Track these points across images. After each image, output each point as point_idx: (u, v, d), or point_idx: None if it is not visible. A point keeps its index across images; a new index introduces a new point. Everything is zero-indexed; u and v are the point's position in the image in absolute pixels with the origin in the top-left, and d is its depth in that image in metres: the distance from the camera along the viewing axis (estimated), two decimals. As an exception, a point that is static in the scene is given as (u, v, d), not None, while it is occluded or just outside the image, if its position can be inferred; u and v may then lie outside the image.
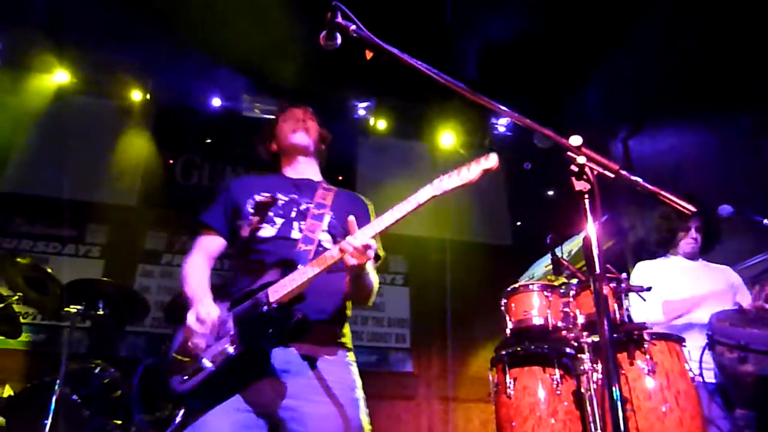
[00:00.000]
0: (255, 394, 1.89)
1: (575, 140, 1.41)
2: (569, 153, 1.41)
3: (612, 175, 1.39)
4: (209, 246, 2.26)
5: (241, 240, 2.20)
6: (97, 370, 3.87)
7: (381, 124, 6.87)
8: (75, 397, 3.51)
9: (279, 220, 2.17)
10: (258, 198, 2.24)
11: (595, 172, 1.39)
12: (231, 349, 1.85)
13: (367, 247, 1.84)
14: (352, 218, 1.92)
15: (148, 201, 6.23)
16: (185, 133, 6.42)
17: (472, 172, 1.88)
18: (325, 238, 2.17)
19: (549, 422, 2.94)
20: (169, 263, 6.11)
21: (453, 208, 6.35)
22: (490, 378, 3.35)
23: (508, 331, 3.31)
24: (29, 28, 5.65)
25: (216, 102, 6.40)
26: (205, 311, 1.90)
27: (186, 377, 1.88)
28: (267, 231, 2.15)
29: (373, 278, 2.14)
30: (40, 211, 5.92)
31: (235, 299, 2.00)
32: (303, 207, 2.22)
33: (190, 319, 1.90)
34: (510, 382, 3.10)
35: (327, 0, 1.83)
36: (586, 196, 1.36)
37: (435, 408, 6.21)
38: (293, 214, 2.20)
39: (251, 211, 2.21)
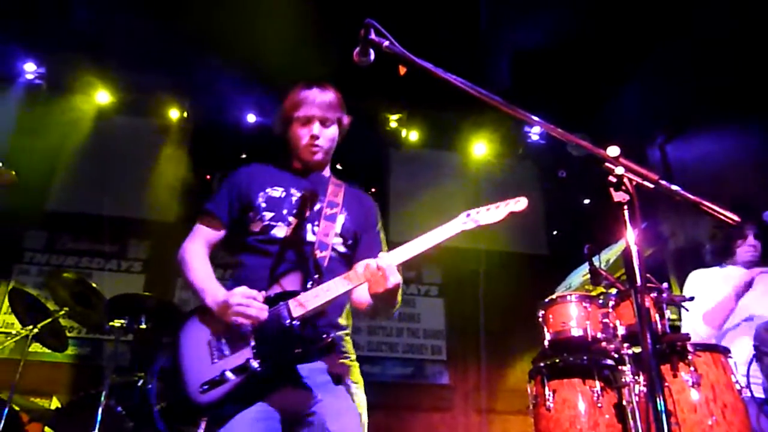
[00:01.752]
0: (278, 403, 1.86)
1: (613, 151, 1.40)
2: (607, 164, 1.39)
3: (651, 186, 1.38)
4: (209, 235, 2.19)
5: (250, 234, 2.12)
6: (139, 383, 3.94)
7: (413, 136, 6.89)
8: (119, 408, 3.59)
9: (292, 219, 2.11)
10: (271, 192, 2.16)
11: (634, 183, 1.37)
12: (255, 364, 1.81)
13: (392, 272, 1.83)
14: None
15: (187, 217, 6.36)
16: (221, 150, 6.55)
17: (500, 211, 1.92)
18: (338, 241, 2.13)
19: (590, 437, 2.89)
20: (207, 277, 6.21)
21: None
22: (529, 390, 3.31)
23: (546, 343, 3.27)
24: (71, 52, 5.87)
25: (251, 118, 6.53)
26: (246, 291, 1.85)
27: (207, 387, 1.82)
28: (280, 230, 2.08)
29: (397, 298, 2.04)
30: (85, 228, 6.12)
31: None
32: (317, 206, 2.15)
33: (236, 298, 1.83)
34: (549, 395, 3.06)
35: (360, 16, 1.86)
36: (625, 207, 1.35)
37: (472, 420, 6.14)
38: (307, 213, 2.13)
39: (264, 205, 2.13)
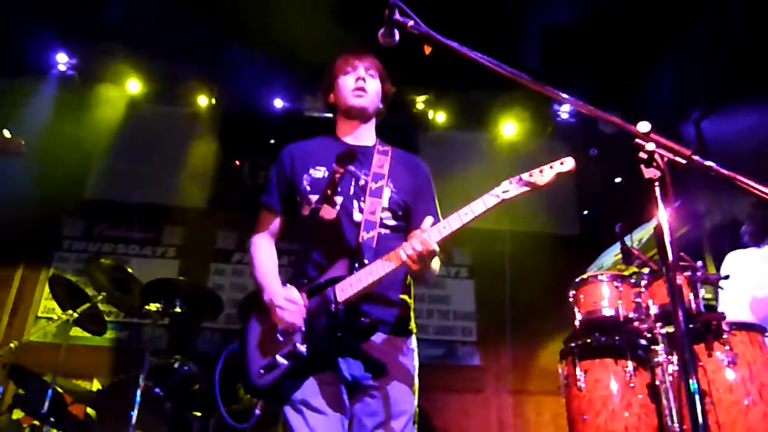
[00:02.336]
0: (334, 376, 1.93)
1: (643, 126, 1.37)
2: (637, 140, 1.36)
3: (684, 161, 1.34)
4: (270, 225, 2.26)
5: (302, 219, 2.16)
6: (176, 365, 4.05)
7: (440, 117, 6.83)
8: (158, 390, 3.69)
9: (339, 199, 2.11)
10: (314, 173, 2.17)
11: (666, 159, 1.34)
12: (302, 348, 1.88)
13: (432, 254, 1.81)
14: (428, 220, 1.85)
15: (219, 202, 6.48)
16: (251, 136, 6.62)
17: (545, 175, 1.80)
18: (386, 216, 2.12)
19: (623, 415, 2.87)
20: (240, 261, 6.32)
21: (518, 198, 6.24)
22: (560, 371, 3.30)
23: (577, 323, 3.25)
24: (102, 42, 5.96)
25: (278, 103, 6.56)
26: (290, 295, 1.94)
27: (263, 371, 1.94)
28: (328, 212, 2.09)
29: (435, 267, 2.04)
30: (120, 216, 6.27)
31: (308, 291, 2.00)
32: (362, 181, 2.14)
33: (279, 300, 1.93)
34: (580, 375, 3.05)
35: None
36: (657, 183, 1.32)
37: (504, 401, 6.15)
38: (352, 191, 2.13)
39: (309, 189, 2.15)
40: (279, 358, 1.91)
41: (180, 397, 3.83)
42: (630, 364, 2.95)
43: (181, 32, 5.69)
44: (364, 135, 2.30)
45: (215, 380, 3.31)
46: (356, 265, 1.94)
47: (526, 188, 1.80)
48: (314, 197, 2.12)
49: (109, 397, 3.80)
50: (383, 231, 2.08)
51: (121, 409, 3.56)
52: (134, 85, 6.37)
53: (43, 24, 5.67)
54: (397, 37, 1.96)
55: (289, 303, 1.93)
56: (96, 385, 5.19)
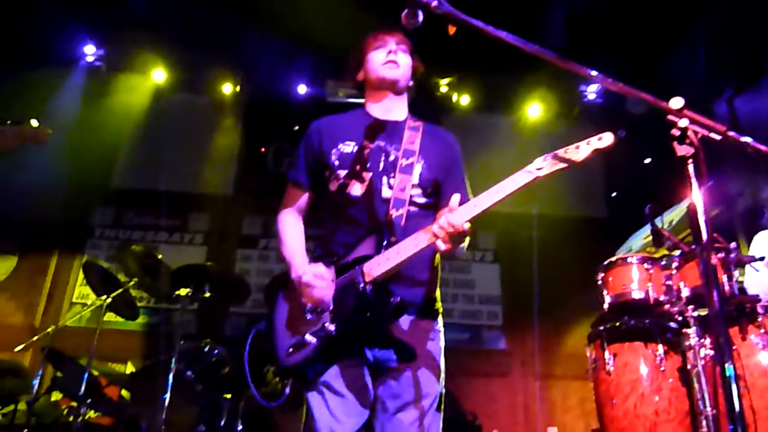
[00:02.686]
0: (361, 356, 1.91)
1: (676, 102, 1.33)
2: (670, 116, 1.33)
3: (718, 137, 1.30)
4: (297, 201, 2.22)
5: (329, 194, 2.12)
6: (206, 349, 4.11)
7: (464, 100, 6.77)
8: (189, 373, 3.77)
9: (367, 175, 2.05)
10: (343, 148, 2.11)
11: (700, 135, 1.30)
12: (331, 327, 1.85)
13: (463, 234, 1.74)
14: (455, 198, 1.78)
15: (244, 189, 6.54)
16: (274, 122, 6.65)
17: (581, 151, 1.69)
18: (416, 193, 2.06)
19: (653, 399, 2.84)
20: (265, 247, 6.39)
21: (544, 181, 6.17)
22: (588, 354, 3.27)
23: (605, 306, 3.21)
24: (128, 33, 6.03)
25: (302, 89, 6.57)
26: (318, 271, 1.90)
27: (292, 350, 1.91)
28: (356, 188, 2.05)
29: (464, 244, 1.94)
30: (149, 204, 6.37)
31: (336, 269, 1.96)
32: (392, 157, 2.08)
33: (308, 276, 1.90)
34: (609, 358, 3.02)
35: None
36: (690, 161, 1.29)
37: (531, 385, 6.14)
38: (381, 166, 2.07)
39: (337, 163, 2.09)
40: (308, 336, 1.88)
41: (210, 379, 3.90)
42: (660, 348, 2.92)
43: (205, 21, 5.73)
44: (395, 110, 2.23)
45: (245, 357, 3.34)
46: (384, 243, 1.89)
47: (561, 165, 1.70)
48: (342, 172, 2.08)
49: (143, 379, 3.90)
50: (412, 209, 2.02)
51: (154, 391, 3.64)
52: (160, 75, 6.44)
53: (72, 16, 5.75)
54: (420, 18, 1.94)
55: (318, 279, 1.89)
56: (129, 368, 5.33)
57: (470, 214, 1.76)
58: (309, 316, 1.91)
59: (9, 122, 2.23)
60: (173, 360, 3.62)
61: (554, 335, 6.35)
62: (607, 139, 1.67)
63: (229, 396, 3.91)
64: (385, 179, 2.05)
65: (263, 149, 6.72)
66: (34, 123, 2.25)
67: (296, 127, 6.68)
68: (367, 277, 1.86)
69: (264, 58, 6.25)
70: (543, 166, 1.72)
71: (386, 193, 2.03)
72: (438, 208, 2.09)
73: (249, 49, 6.06)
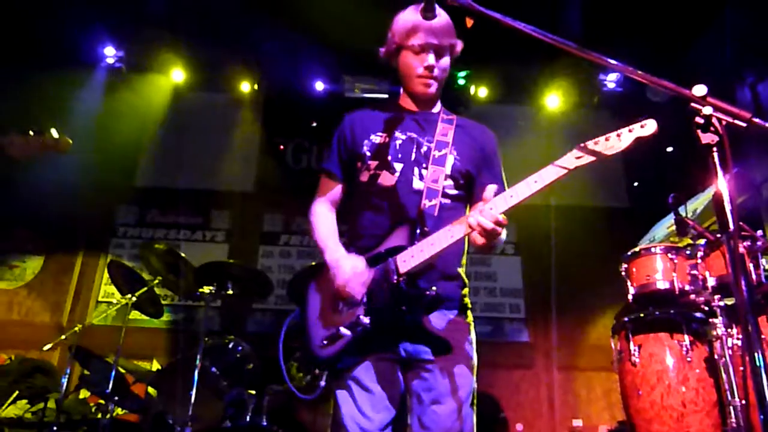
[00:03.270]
0: (394, 351, 1.90)
1: (699, 90, 1.31)
2: (693, 104, 1.31)
3: (743, 125, 1.28)
4: (331, 192, 2.20)
5: (360, 185, 2.10)
6: (230, 345, 4.16)
7: (482, 92, 6.72)
8: (214, 369, 3.81)
9: (398, 166, 2.04)
10: (375, 139, 2.10)
11: (724, 123, 1.28)
12: (366, 320, 1.83)
13: (498, 224, 1.69)
14: (490, 189, 1.73)
15: (264, 186, 6.59)
16: (293, 119, 6.69)
17: (623, 140, 1.61)
18: (448, 184, 2.03)
19: (679, 390, 2.81)
20: (286, 243, 6.43)
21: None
22: (612, 345, 3.25)
23: (629, 297, 3.18)
24: (147, 34, 6.10)
25: (319, 86, 6.59)
26: (356, 263, 1.88)
27: (326, 342, 1.89)
28: (387, 179, 2.03)
29: (503, 236, 1.86)
30: (170, 202, 6.45)
31: (368, 260, 1.93)
32: (424, 148, 2.06)
33: (345, 264, 1.88)
34: (634, 350, 3.00)
35: None
36: (715, 149, 1.27)
37: (555, 377, 6.10)
38: (413, 157, 2.05)
39: (368, 154, 2.08)
40: (343, 329, 1.86)
41: (235, 376, 3.93)
42: (686, 338, 2.88)
43: (223, 20, 5.77)
44: (428, 101, 2.20)
45: (279, 346, 3.35)
46: (417, 234, 1.87)
47: (600, 154, 1.64)
48: (374, 163, 2.07)
49: (169, 376, 3.93)
50: (444, 200, 1.99)
51: (180, 388, 3.69)
52: (179, 74, 6.50)
53: (92, 18, 5.83)
54: (437, 11, 1.93)
55: (353, 273, 1.87)
56: (155, 365, 5.42)
57: (507, 204, 1.71)
58: (343, 308, 1.90)
59: (31, 131, 2.26)
60: (198, 357, 3.66)
61: (577, 327, 6.30)
62: (650, 126, 1.60)
63: (253, 392, 3.94)
64: (416, 170, 2.02)
65: (282, 146, 6.76)
66: (54, 133, 2.28)
67: (314, 124, 6.73)
68: (401, 269, 1.83)
69: (281, 56, 6.28)
70: (583, 154, 1.66)
71: (417, 184, 2.01)
72: (470, 201, 2.08)
73: (266, 46, 6.09)
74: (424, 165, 2.03)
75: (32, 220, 6.09)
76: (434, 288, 1.82)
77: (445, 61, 2.12)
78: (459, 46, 2.15)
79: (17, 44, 5.86)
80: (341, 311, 1.90)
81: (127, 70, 6.46)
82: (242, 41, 6.09)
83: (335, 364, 1.90)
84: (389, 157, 2.05)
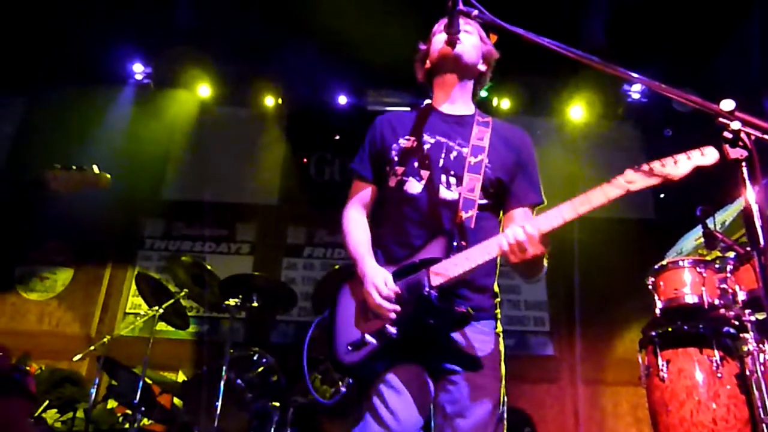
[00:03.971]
0: (420, 360, 1.85)
1: (727, 105, 1.30)
2: (721, 119, 1.30)
3: (773, 139, 1.27)
4: (362, 195, 2.12)
5: (388, 190, 2.03)
6: (255, 357, 4.19)
7: (505, 104, 6.71)
8: (239, 381, 3.84)
9: (425, 173, 1.96)
10: (403, 143, 2.03)
11: (753, 137, 1.27)
12: (393, 330, 1.78)
13: (536, 247, 1.65)
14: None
15: (288, 199, 6.65)
16: (316, 132, 6.76)
17: (681, 167, 1.54)
18: (482, 194, 1.93)
19: (710, 407, 2.76)
20: (310, 255, 6.47)
21: (588, 182, 6.07)
22: (640, 360, 3.20)
23: (657, 311, 3.13)
24: (174, 51, 6.24)
25: (342, 99, 6.66)
26: (382, 278, 1.82)
27: (351, 348, 1.85)
28: (413, 186, 1.96)
29: (543, 264, 1.85)
30: (196, 215, 6.54)
31: (397, 270, 1.88)
32: (454, 153, 1.98)
33: (378, 281, 1.82)
34: (663, 365, 2.94)
35: None
36: (744, 163, 1.26)
37: (580, 392, 6.01)
38: (441, 163, 1.97)
39: (396, 159, 2.01)
40: (368, 337, 1.82)
41: (259, 388, 3.96)
42: (716, 353, 2.83)
43: (248, 36, 5.88)
44: (462, 102, 2.13)
45: (304, 350, 3.33)
46: (454, 246, 1.80)
47: (655, 180, 1.58)
48: (400, 168, 2.00)
49: (194, 387, 3.97)
50: (480, 211, 1.92)
51: (205, 399, 3.72)
52: (205, 90, 6.62)
53: (122, 36, 5.99)
54: (460, 27, 1.95)
55: (388, 294, 1.80)
56: (181, 377, 5.47)
57: (550, 225, 1.67)
58: (371, 316, 1.86)
59: (74, 167, 2.34)
60: (224, 368, 3.69)
61: (603, 340, 6.20)
62: (710, 155, 1.51)
63: (277, 404, 3.96)
64: (444, 177, 1.95)
65: (306, 159, 6.82)
66: (96, 169, 2.36)
67: (337, 137, 6.79)
68: (433, 282, 1.78)
69: (305, 70, 6.36)
70: (635, 179, 1.60)
71: (445, 193, 1.93)
72: (505, 210, 2.02)
73: (290, 62, 6.18)
74: (452, 172, 1.95)
75: (63, 232, 6.24)
76: (464, 304, 1.79)
77: (473, 38, 2.09)
78: (488, 47, 2.15)
79: (52, 63, 6.07)
80: (369, 318, 1.86)
81: (154, 86, 6.60)
82: (267, 57, 6.20)
83: (359, 371, 1.86)
84: (416, 163, 1.98)
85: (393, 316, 1.79)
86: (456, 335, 1.87)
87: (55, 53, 5.98)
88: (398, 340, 1.79)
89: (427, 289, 1.78)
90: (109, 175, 2.35)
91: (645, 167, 1.60)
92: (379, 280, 1.83)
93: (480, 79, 2.19)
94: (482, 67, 2.16)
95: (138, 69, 6.52)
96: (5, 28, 5.63)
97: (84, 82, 6.19)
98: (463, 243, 1.82)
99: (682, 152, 1.56)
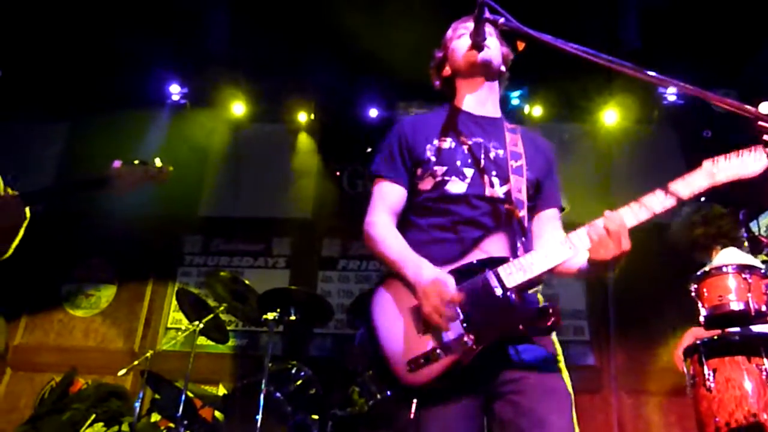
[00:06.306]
0: (482, 379, 1.68)
1: (765, 107, 1.27)
2: (760, 122, 1.27)
3: (815, 142, 1.23)
4: (391, 199, 1.96)
5: (421, 193, 1.93)
6: (293, 371, 4.22)
7: (537, 111, 6.65)
8: (278, 395, 3.87)
9: (469, 171, 1.89)
10: (439, 143, 1.94)
11: (794, 140, 1.24)
12: (469, 341, 1.59)
13: (625, 236, 1.57)
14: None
15: (322, 212, 6.71)
16: (348, 145, 6.82)
17: (758, 158, 1.50)
18: (526, 195, 1.87)
19: (762, 417, 2.66)
20: (344, 268, 6.51)
21: (623, 188, 5.96)
22: (685, 370, 3.11)
23: (701, 319, 3.05)
24: (209, 71, 6.41)
25: (373, 113, 6.72)
26: (448, 280, 1.65)
27: (414, 365, 1.63)
28: (457, 186, 1.87)
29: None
30: (233, 231, 6.66)
31: (451, 272, 1.71)
32: (492, 154, 1.93)
33: (442, 290, 1.62)
34: (709, 374, 2.87)
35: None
36: (785, 167, 1.23)
37: (624, 402, 5.86)
38: (482, 163, 1.90)
39: (433, 159, 1.91)
40: (439, 351, 1.61)
41: (298, 401, 3.99)
42: (766, 362, 2.74)
43: (278, 54, 6.01)
44: (489, 104, 2.09)
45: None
46: (518, 245, 1.70)
47: (737, 173, 1.53)
48: (440, 169, 1.90)
49: (235, 401, 4.02)
50: (528, 212, 1.86)
51: (246, 413, 3.76)
52: (239, 108, 6.76)
53: (159, 60, 6.18)
54: (487, 35, 1.96)
55: (456, 293, 1.62)
56: (222, 390, 5.55)
57: (636, 217, 1.61)
58: (434, 328, 1.65)
59: (136, 161, 2.40)
60: (263, 382, 3.73)
61: (646, 349, 6.04)
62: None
63: (316, 417, 3.98)
64: (486, 177, 1.88)
65: (338, 172, 6.89)
66: (158, 162, 2.41)
67: (369, 150, 6.83)
68: (509, 283, 1.64)
69: (336, 85, 6.45)
70: (718, 171, 1.56)
71: (491, 191, 1.87)
72: (534, 213, 1.98)
73: (321, 77, 6.27)
74: (494, 173, 1.90)
75: (106, 250, 6.43)
76: (547, 306, 1.61)
77: (495, 41, 2.07)
78: (505, 48, 2.13)
79: (93, 89, 6.32)
80: (431, 331, 1.65)
81: (190, 106, 6.77)
82: (298, 73, 6.31)
83: (429, 389, 1.62)
84: (458, 162, 1.90)
85: (464, 326, 1.62)
86: (539, 342, 1.73)
87: (96, 80, 6.22)
88: (476, 352, 1.59)
89: (501, 292, 1.63)
90: (171, 167, 2.40)
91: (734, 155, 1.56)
92: (449, 282, 1.65)
93: (501, 78, 2.17)
94: (503, 68, 2.15)
95: (174, 90, 6.70)
96: (48, 58, 5.88)
97: (124, 106, 6.40)
98: (524, 240, 1.74)
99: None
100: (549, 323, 1.59)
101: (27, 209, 2.22)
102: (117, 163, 2.37)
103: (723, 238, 3.30)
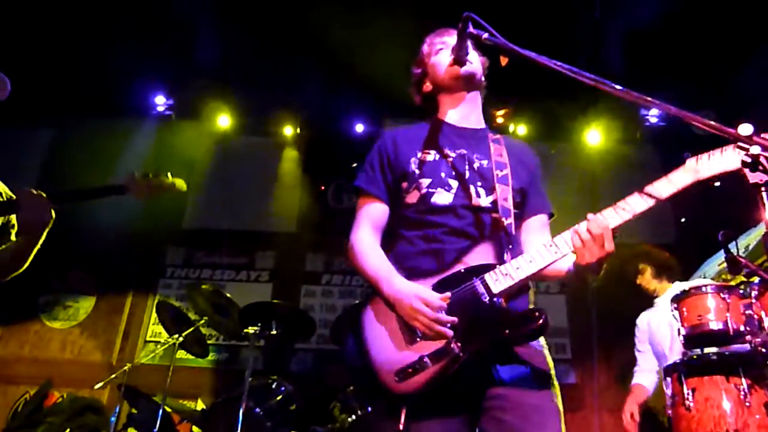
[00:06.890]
0: (468, 389, 1.67)
1: (745, 129, 1.30)
2: (740, 144, 1.30)
3: (793, 163, 1.26)
4: (374, 215, 1.97)
5: (406, 207, 1.93)
6: (274, 385, 4.16)
7: (521, 130, 6.72)
8: (258, 410, 3.82)
9: (454, 183, 1.90)
10: (422, 156, 1.95)
11: (772, 161, 1.26)
12: (456, 348, 1.60)
13: (608, 239, 1.56)
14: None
15: (306, 226, 6.69)
16: (334, 160, 6.83)
17: (725, 156, 1.51)
18: (512, 204, 1.87)
19: (740, 437, 2.68)
20: (328, 283, 6.48)
21: (606, 206, 6.02)
22: (665, 388, 3.13)
23: (681, 338, 3.07)
24: (195, 83, 6.40)
25: (359, 128, 6.74)
26: (426, 291, 1.66)
27: (402, 375, 1.63)
28: (443, 197, 1.88)
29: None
30: (217, 243, 6.61)
31: (439, 282, 1.72)
32: (476, 165, 1.94)
33: (425, 300, 1.64)
34: (688, 393, 2.89)
35: (460, 11, 1.79)
36: (763, 188, 1.25)
37: (605, 420, 5.87)
38: (467, 174, 1.91)
39: (417, 172, 1.92)
40: (427, 359, 1.61)
41: (279, 417, 3.93)
42: (744, 381, 2.76)
43: (266, 68, 6.02)
44: (472, 116, 2.09)
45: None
46: (505, 251, 1.70)
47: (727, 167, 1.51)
48: (425, 181, 1.91)
49: (214, 416, 3.96)
50: (515, 220, 1.85)
51: (224, 428, 3.71)
52: (224, 120, 6.74)
53: (145, 70, 6.15)
54: (470, 50, 1.96)
55: (437, 312, 1.63)
56: (200, 405, 5.47)
57: (620, 218, 1.60)
58: (420, 337, 1.67)
59: (150, 174, 2.41)
60: (243, 397, 3.68)
61: (627, 367, 6.05)
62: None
63: (297, 433, 3.93)
64: (472, 188, 1.89)
65: (323, 187, 6.88)
66: (170, 176, 2.43)
67: (354, 165, 6.84)
68: (495, 288, 1.65)
69: (322, 100, 6.47)
70: (701, 167, 1.58)
71: (478, 201, 1.88)
72: (522, 221, 1.98)
73: (308, 91, 6.29)
74: (479, 183, 1.90)
75: (86, 261, 6.34)
76: (534, 311, 1.61)
77: (475, 53, 2.03)
78: (484, 59, 2.11)
79: (78, 97, 6.26)
80: (418, 341, 1.67)
81: (176, 117, 6.74)
82: (285, 87, 6.32)
83: (417, 399, 1.63)
84: (443, 174, 1.91)
85: (450, 332, 1.62)
86: (527, 351, 1.73)
87: (81, 87, 6.16)
88: (464, 360, 1.60)
89: (487, 298, 1.64)
90: (182, 180, 2.41)
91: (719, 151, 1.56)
92: (426, 294, 1.66)
93: (482, 89, 2.17)
94: (483, 79, 2.15)
95: (160, 101, 6.68)
96: (34, 64, 5.82)
97: (109, 115, 6.35)
98: (511, 247, 1.73)
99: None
100: (535, 326, 1.59)
101: (52, 210, 2.18)
102: (133, 174, 2.40)
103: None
